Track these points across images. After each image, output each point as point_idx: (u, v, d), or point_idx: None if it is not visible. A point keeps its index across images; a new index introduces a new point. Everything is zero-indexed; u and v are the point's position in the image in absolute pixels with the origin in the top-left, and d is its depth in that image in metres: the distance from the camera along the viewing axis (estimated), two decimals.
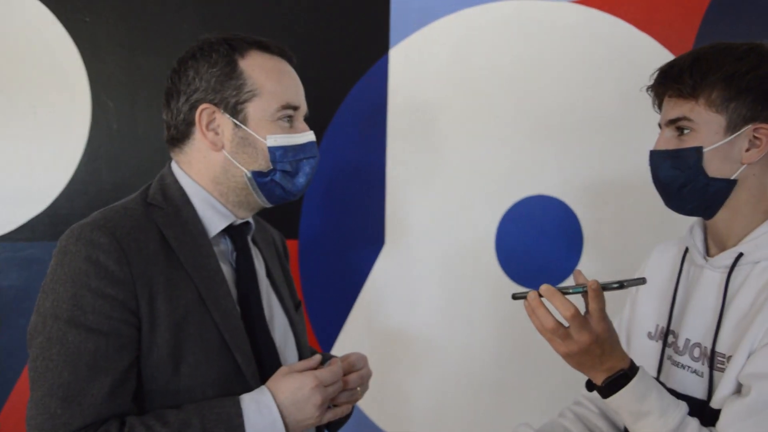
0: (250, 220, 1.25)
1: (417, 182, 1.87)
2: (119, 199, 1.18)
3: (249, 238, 1.24)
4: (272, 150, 1.14)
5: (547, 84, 1.85)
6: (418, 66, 1.84)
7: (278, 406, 1.06)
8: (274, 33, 1.76)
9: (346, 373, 1.19)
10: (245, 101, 1.13)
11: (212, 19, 1.74)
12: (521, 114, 1.86)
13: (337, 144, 1.82)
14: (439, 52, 1.84)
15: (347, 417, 1.34)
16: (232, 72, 1.13)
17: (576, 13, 1.83)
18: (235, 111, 1.13)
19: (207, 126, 1.13)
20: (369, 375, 1.26)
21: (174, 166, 1.19)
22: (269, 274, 1.28)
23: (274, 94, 1.14)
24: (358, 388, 1.23)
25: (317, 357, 1.15)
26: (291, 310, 1.29)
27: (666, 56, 1.80)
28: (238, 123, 1.13)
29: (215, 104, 1.13)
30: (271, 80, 1.14)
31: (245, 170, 1.14)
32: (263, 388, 1.09)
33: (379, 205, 1.86)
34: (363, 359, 1.25)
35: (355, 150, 1.84)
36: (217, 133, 1.14)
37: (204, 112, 1.13)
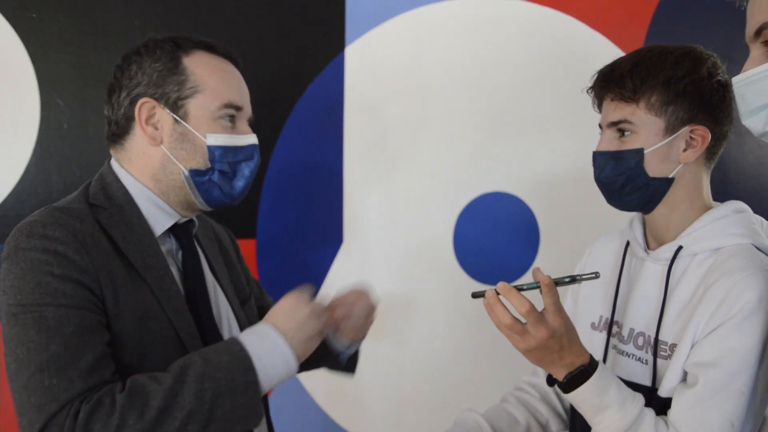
0: (194, 217, 1.24)
1: (374, 180, 1.87)
2: None
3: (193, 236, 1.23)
4: (211, 149, 1.13)
5: (501, 81, 1.87)
6: (374, 64, 1.84)
7: (279, 330, 1.08)
8: (228, 31, 1.74)
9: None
10: (186, 97, 1.12)
11: (165, 17, 1.71)
12: (476, 111, 1.88)
13: (294, 142, 1.81)
14: (395, 50, 1.84)
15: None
16: (174, 68, 1.12)
17: (530, 12, 1.86)
18: (175, 107, 1.12)
19: (146, 120, 1.12)
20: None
21: (114, 163, 1.17)
22: (212, 269, 1.26)
23: (217, 92, 1.14)
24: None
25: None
26: (235, 303, 1.28)
27: (618, 54, 1.83)
28: (177, 118, 1.12)
29: (156, 99, 1.12)
30: (214, 78, 1.14)
31: (182, 167, 1.13)
32: (258, 323, 1.12)
33: (337, 204, 1.86)
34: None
35: (311, 148, 1.83)
36: (156, 128, 1.13)
37: (144, 106, 1.12)
